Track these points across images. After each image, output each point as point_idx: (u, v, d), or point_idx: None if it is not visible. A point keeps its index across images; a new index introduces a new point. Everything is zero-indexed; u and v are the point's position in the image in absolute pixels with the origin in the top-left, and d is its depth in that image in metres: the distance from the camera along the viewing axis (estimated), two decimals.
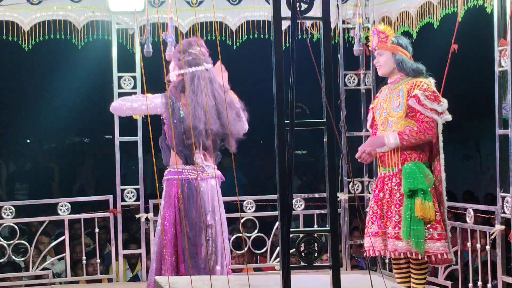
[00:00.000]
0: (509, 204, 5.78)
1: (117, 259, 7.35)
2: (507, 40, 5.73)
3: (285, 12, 3.39)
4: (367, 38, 7.25)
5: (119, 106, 5.69)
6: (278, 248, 6.90)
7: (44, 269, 7.35)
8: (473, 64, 10.33)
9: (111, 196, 7.28)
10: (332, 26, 7.17)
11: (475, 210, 6.38)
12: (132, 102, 5.67)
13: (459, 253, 6.50)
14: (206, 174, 5.64)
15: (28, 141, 14.89)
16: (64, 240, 7.28)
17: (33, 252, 7.32)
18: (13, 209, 7.15)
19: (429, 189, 5.47)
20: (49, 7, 7.00)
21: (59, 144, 15.01)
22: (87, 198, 8.32)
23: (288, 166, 3.33)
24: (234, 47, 7.19)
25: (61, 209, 7.22)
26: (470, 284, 6.37)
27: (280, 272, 3.33)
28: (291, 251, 3.40)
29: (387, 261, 7.13)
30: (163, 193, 5.71)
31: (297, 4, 3.34)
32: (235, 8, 7.24)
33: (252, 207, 7.42)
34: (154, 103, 5.57)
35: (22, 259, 7.46)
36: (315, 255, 3.39)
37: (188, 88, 5.57)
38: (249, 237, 7.40)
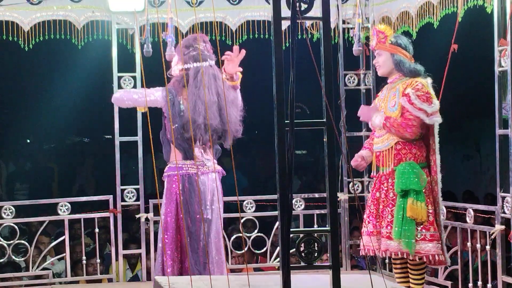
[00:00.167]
0: (509, 204, 5.78)
1: (117, 259, 7.35)
2: (507, 40, 5.73)
3: (285, 12, 3.39)
4: (367, 38, 7.25)
5: (120, 97, 5.71)
6: (278, 248, 6.90)
7: (44, 269, 7.35)
8: (473, 64, 10.33)
9: (111, 196, 7.27)
10: (332, 26, 7.17)
11: (475, 210, 6.38)
12: (133, 94, 5.70)
13: (459, 253, 6.50)
14: (206, 168, 5.64)
15: (28, 141, 14.89)
16: (64, 240, 7.28)
17: (33, 252, 7.32)
18: (13, 209, 7.15)
19: (425, 190, 5.47)
20: (49, 7, 6.99)
21: (59, 144, 15.01)
22: (87, 198, 8.31)
23: (288, 166, 3.34)
24: (235, 45, 7.18)
25: (61, 209, 7.22)
26: (470, 284, 6.37)
27: (280, 272, 3.33)
28: (291, 251, 3.40)
29: (387, 261, 7.13)
30: (164, 189, 5.72)
31: (297, 4, 3.34)
32: (235, 8, 7.24)
33: (252, 207, 7.42)
34: (154, 96, 5.58)
35: (22, 259, 7.46)
36: (315, 255, 3.39)
37: (191, 82, 5.58)
38: (249, 237, 7.40)
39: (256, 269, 7.83)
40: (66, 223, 7.22)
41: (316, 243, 3.39)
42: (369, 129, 6.39)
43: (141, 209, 7.25)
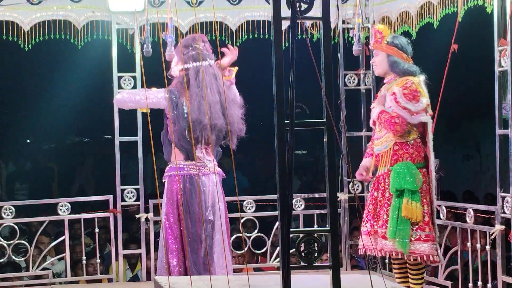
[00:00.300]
0: (509, 204, 5.78)
1: (117, 259, 7.35)
2: (507, 40, 5.73)
3: (285, 12, 3.39)
4: (367, 38, 7.26)
5: (123, 99, 5.70)
6: (278, 248, 6.90)
7: (44, 269, 7.35)
8: (473, 64, 10.33)
9: (111, 196, 7.27)
10: (332, 26, 7.17)
11: (475, 210, 6.38)
12: (135, 95, 5.69)
13: (459, 253, 6.50)
14: (207, 169, 5.64)
15: (28, 141, 14.90)
16: (64, 240, 7.28)
17: (33, 252, 7.31)
18: (13, 209, 7.15)
19: (421, 190, 5.46)
20: (49, 7, 6.99)
21: (59, 144, 15.02)
22: (87, 198, 8.31)
23: (288, 166, 3.34)
24: (234, 47, 7.17)
25: (61, 209, 7.22)
26: (470, 284, 6.36)
27: (280, 272, 3.33)
28: (291, 251, 3.40)
29: (387, 261, 7.13)
30: (165, 189, 5.72)
31: (297, 4, 3.34)
32: (235, 8, 7.24)
33: (252, 207, 7.42)
34: (157, 97, 5.58)
35: (22, 259, 7.45)
36: (315, 255, 3.39)
37: (193, 83, 5.58)
38: (249, 237, 7.40)
39: (256, 269, 7.83)
40: (66, 223, 7.21)
41: (316, 243, 3.39)
42: (369, 129, 6.40)
43: (141, 209, 7.25)
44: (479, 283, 6.24)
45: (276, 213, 5.98)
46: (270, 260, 7.55)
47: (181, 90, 5.61)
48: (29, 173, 13.72)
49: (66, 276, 7.36)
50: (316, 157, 14.80)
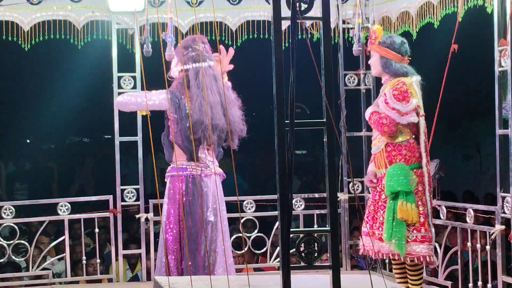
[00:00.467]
0: (509, 204, 5.78)
1: (117, 259, 7.35)
2: (507, 40, 5.73)
3: (285, 12, 3.39)
4: (367, 38, 7.25)
5: (125, 102, 5.70)
6: (278, 248, 6.90)
7: (44, 269, 7.35)
8: (473, 64, 10.33)
9: (111, 196, 7.27)
10: (332, 26, 7.17)
11: (475, 210, 6.37)
12: (136, 98, 5.69)
13: (459, 253, 6.50)
14: (209, 170, 5.65)
15: (28, 141, 14.90)
16: (64, 240, 7.28)
17: (33, 252, 7.31)
18: (13, 209, 7.14)
19: (416, 191, 5.45)
20: (49, 7, 6.99)
21: (59, 144, 15.02)
22: (87, 198, 8.31)
23: (288, 166, 3.34)
24: (234, 47, 7.17)
25: (61, 209, 7.22)
26: (470, 284, 6.36)
27: (280, 272, 3.33)
28: (291, 251, 3.40)
29: (387, 261, 7.12)
30: (167, 190, 5.72)
31: (297, 4, 3.34)
32: (235, 8, 7.24)
33: (252, 207, 7.42)
34: (159, 99, 5.57)
35: (22, 259, 7.45)
36: (315, 255, 3.39)
37: (193, 83, 5.59)
38: (249, 237, 7.40)
39: (256, 269, 7.83)
40: (66, 223, 7.21)
41: (316, 243, 3.39)
42: (369, 129, 6.40)
43: (141, 209, 7.25)
44: (479, 283, 6.24)
45: (276, 213, 5.98)
46: (270, 260, 7.55)
47: (182, 90, 5.61)
48: (29, 173, 13.72)
49: (66, 276, 7.36)
50: (316, 157, 14.80)
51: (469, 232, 6.36)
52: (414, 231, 5.42)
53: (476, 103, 12.14)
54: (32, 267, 7.26)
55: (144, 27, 6.91)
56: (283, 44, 3.39)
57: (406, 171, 5.44)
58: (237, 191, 4.48)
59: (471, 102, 12.46)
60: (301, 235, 3.42)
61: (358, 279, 4.68)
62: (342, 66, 7.51)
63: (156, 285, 4.51)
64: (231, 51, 5.80)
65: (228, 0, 7.22)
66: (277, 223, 6.38)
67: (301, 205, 7.49)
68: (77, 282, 7.46)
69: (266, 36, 7.22)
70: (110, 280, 7.56)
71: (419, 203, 5.46)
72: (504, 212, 5.86)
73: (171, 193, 5.68)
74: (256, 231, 7.46)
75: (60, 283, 7.39)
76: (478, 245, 6.36)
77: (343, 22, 7.42)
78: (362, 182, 7.53)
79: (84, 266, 7.42)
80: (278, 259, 6.14)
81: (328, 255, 3.46)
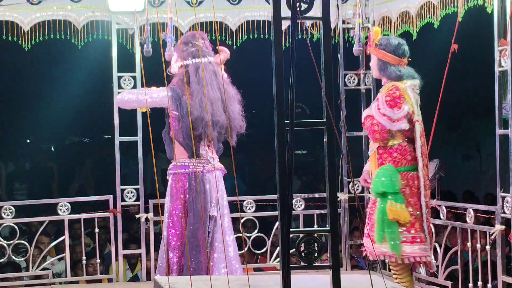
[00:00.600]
0: (509, 204, 5.78)
1: (117, 259, 7.34)
2: (507, 40, 5.73)
3: (285, 12, 3.39)
4: (367, 38, 7.25)
5: (126, 99, 5.71)
6: (278, 248, 6.90)
7: (44, 269, 7.35)
8: (473, 64, 10.33)
9: (111, 196, 7.27)
10: (332, 26, 7.17)
11: (475, 210, 6.37)
12: (138, 95, 5.69)
13: (459, 253, 6.50)
14: (211, 166, 5.65)
15: (28, 141, 14.90)
16: (64, 240, 7.28)
17: (33, 252, 7.31)
18: (13, 209, 7.14)
19: (404, 192, 5.42)
20: (49, 7, 6.99)
21: (59, 144, 15.02)
22: (87, 198, 8.31)
23: (288, 166, 3.34)
24: (234, 47, 7.18)
25: (61, 209, 7.22)
26: (470, 284, 6.36)
27: (280, 272, 3.33)
28: (291, 251, 3.40)
29: (387, 261, 7.12)
30: (169, 187, 5.72)
31: (297, 4, 3.34)
32: (235, 8, 7.24)
33: (252, 207, 7.42)
34: (160, 96, 5.57)
35: (22, 259, 7.45)
36: (315, 255, 3.39)
37: (193, 79, 5.58)
38: (249, 237, 7.40)
39: (256, 269, 7.83)
40: (66, 223, 7.21)
41: (316, 243, 3.39)
42: None
43: (141, 209, 7.25)
44: (479, 283, 6.24)
45: (276, 213, 5.98)
46: (270, 260, 7.55)
47: (182, 87, 5.61)
48: (29, 173, 13.72)
49: (66, 276, 7.36)
50: (316, 157, 14.80)
51: (469, 232, 6.36)
52: (405, 232, 5.40)
53: (476, 103, 12.14)
54: (32, 267, 7.26)
55: (144, 27, 6.90)
56: (283, 44, 3.39)
57: (391, 172, 5.42)
58: (237, 191, 4.48)
59: (471, 102, 12.46)
60: (301, 235, 3.42)
61: (358, 279, 4.68)
62: (342, 66, 7.50)
63: (156, 285, 4.51)
64: (226, 50, 5.83)
65: (228, 0, 7.22)
66: (277, 223, 6.38)
67: (301, 205, 7.49)
68: (77, 282, 7.46)
69: (266, 36, 7.21)
70: (110, 280, 7.55)
71: (409, 204, 5.44)
72: (504, 212, 5.85)
73: (173, 191, 5.68)
74: (256, 231, 7.46)
75: (60, 283, 7.39)
76: (478, 245, 6.36)
77: (343, 22, 7.42)
78: None
79: (84, 266, 7.41)
80: (278, 259, 6.14)
81: (328, 255, 3.46)
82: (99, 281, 7.63)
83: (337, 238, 3.42)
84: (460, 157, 13.95)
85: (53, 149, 15.00)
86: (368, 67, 7.47)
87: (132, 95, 5.72)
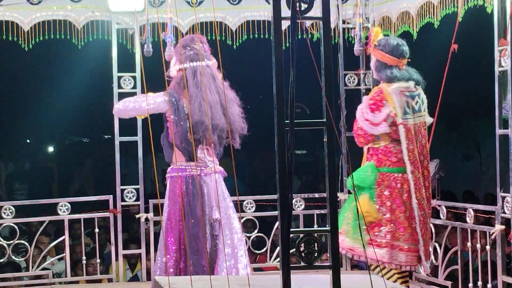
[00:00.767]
0: (509, 204, 5.78)
1: (117, 259, 7.34)
2: (507, 40, 5.73)
3: (285, 12, 3.38)
4: (367, 38, 7.25)
5: (123, 108, 5.72)
6: (278, 248, 6.90)
7: (44, 269, 7.35)
8: (473, 64, 10.33)
9: (111, 196, 7.27)
10: (332, 26, 7.16)
11: (475, 210, 6.37)
12: (135, 103, 5.70)
13: (459, 253, 6.50)
14: (209, 169, 5.65)
15: (28, 141, 14.90)
16: (64, 240, 7.27)
17: (33, 252, 7.31)
18: (13, 209, 7.14)
19: (379, 190, 5.42)
20: (49, 7, 6.99)
21: (59, 144, 15.02)
22: (87, 198, 8.31)
23: (288, 166, 3.33)
24: (234, 47, 7.19)
25: (61, 209, 7.22)
26: (470, 284, 6.37)
27: (280, 272, 3.33)
28: (291, 251, 3.40)
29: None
30: (167, 191, 5.72)
31: (297, 4, 3.34)
32: (235, 8, 7.24)
33: (252, 207, 7.42)
34: (156, 102, 5.58)
35: (22, 259, 7.45)
36: (315, 255, 3.38)
37: (190, 83, 5.58)
38: (249, 237, 7.40)
39: (256, 269, 7.83)
40: (66, 223, 7.21)
41: (316, 243, 3.38)
42: None
43: (141, 209, 7.25)
44: (479, 283, 6.24)
45: (276, 213, 5.97)
46: (270, 260, 7.55)
47: (180, 91, 5.61)
48: (29, 173, 13.72)
49: (66, 276, 7.36)
50: (316, 157, 14.79)
51: (469, 232, 6.36)
52: (370, 233, 5.38)
53: (476, 103, 12.13)
54: (32, 267, 7.26)
55: (144, 27, 6.90)
56: (283, 44, 3.39)
57: (370, 169, 5.45)
58: (237, 191, 4.48)
59: (471, 102, 12.46)
60: (301, 235, 3.42)
61: (358, 279, 4.68)
62: (342, 66, 7.50)
63: (156, 285, 4.51)
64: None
65: (228, 0, 7.22)
66: (277, 223, 6.38)
67: (301, 205, 7.49)
68: (77, 282, 7.46)
69: (266, 36, 7.21)
70: (110, 280, 7.56)
71: (384, 204, 5.43)
72: (504, 212, 5.86)
73: (171, 194, 5.68)
74: (256, 231, 7.46)
75: (60, 283, 7.39)
76: (478, 245, 6.37)
77: (343, 22, 7.42)
78: None
79: (84, 266, 7.41)
80: (278, 259, 6.14)
81: (328, 255, 3.45)
82: (99, 281, 7.63)
83: (337, 238, 3.42)
84: (460, 157, 13.95)
85: (53, 149, 15.00)
86: (368, 67, 7.49)
87: (128, 103, 5.73)
